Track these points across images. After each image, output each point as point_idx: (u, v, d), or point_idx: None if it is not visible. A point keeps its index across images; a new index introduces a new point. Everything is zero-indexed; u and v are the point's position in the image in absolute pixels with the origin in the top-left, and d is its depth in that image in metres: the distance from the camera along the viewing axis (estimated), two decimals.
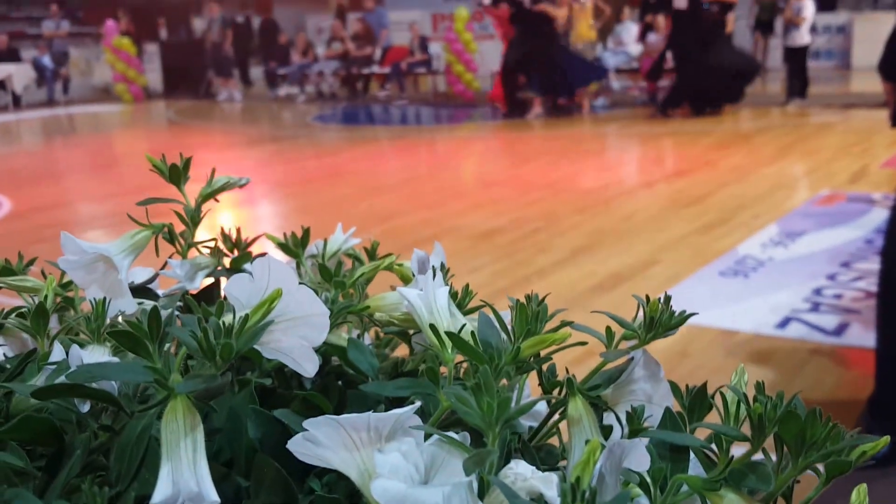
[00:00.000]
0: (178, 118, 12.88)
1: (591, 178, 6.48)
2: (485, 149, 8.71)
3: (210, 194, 0.75)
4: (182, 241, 0.72)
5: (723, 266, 3.94)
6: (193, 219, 0.72)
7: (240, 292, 0.48)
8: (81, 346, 0.56)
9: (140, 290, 0.68)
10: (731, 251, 4.19)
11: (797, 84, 10.42)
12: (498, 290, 3.81)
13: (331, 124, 11.78)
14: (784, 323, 3.20)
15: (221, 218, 6.01)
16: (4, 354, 0.69)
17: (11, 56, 15.32)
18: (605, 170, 6.83)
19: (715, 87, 9.52)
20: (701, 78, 9.39)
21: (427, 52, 13.97)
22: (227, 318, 0.44)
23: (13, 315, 0.70)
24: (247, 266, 0.74)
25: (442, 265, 0.68)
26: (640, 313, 0.56)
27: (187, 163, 0.74)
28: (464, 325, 0.53)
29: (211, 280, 0.75)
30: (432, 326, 0.52)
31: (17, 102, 15.22)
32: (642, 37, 11.85)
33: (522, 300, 0.60)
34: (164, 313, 0.63)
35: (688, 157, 7.13)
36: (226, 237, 0.76)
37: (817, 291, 3.52)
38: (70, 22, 17.37)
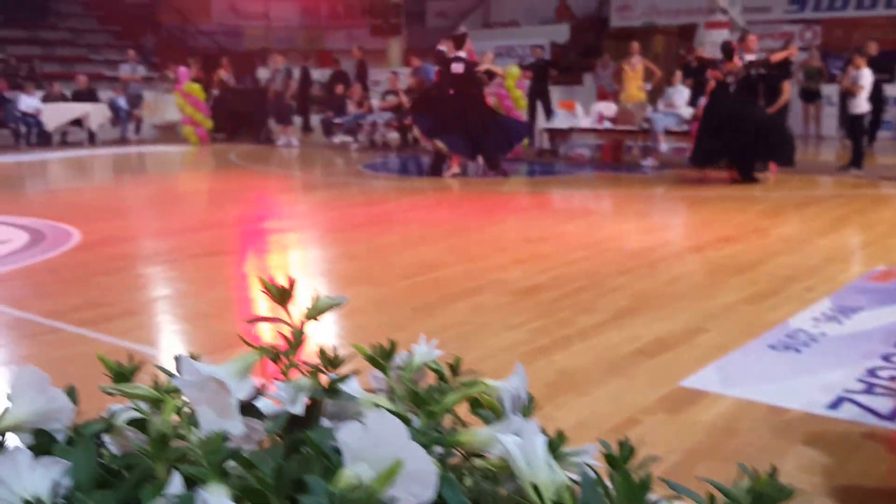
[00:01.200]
0: (239, 161, 13.00)
1: (636, 239, 6.31)
2: (530, 204, 8.60)
3: (312, 315, 0.79)
4: (285, 361, 0.75)
5: (773, 339, 3.73)
6: (297, 341, 0.76)
7: (352, 440, 0.50)
8: (200, 479, 0.57)
9: (245, 407, 0.69)
10: (782, 324, 3.98)
11: (854, 153, 10.13)
12: (538, 348, 3.67)
13: (381, 173, 11.80)
14: (836, 403, 2.99)
15: (275, 261, 5.96)
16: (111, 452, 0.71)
17: (90, 96, 15.71)
18: (651, 231, 6.65)
19: (747, 152, 9.24)
20: (733, 141, 9.18)
21: None
22: (349, 482, 0.45)
23: (123, 418, 0.72)
24: (344, 387, 0.74)
25: (529, 396, 0.68)
26: (745, 481, 0.52)
27: (293, 285, 0.78)
28: (564, 485, 0.50)
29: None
30: (533, 486, 0.51)
31: (92, 140, 15.57)
32: (693, 101, 11.71)
33: (615, 446, 0.54)
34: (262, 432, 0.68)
35: (737, 224, 6.91)
36: (323, 355, 0.79)
37: (872, 372, 3.30)
38: (145, 67, 17.79)
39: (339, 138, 15.39)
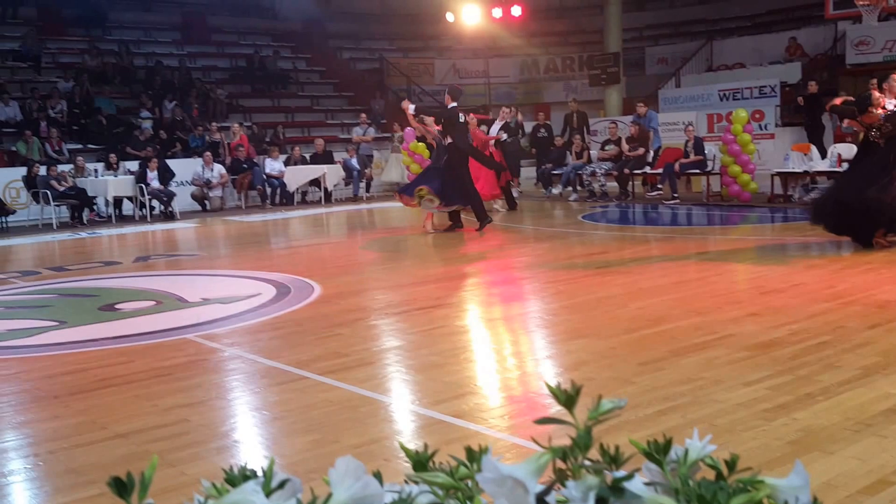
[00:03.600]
0: (462, 214, 13.43)
1: (885, 289, 5.81)
2: (761, 253, 8.18)
3: (596, 418, 0.82)
4: (573, 461, 0.79)
5: None
6: (585, 443, 0.79)
7: None
8: None
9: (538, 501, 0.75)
10: None
11: None
12: (778, 406, 3.48)
13: (601, 223, 11.74)
14: None
15: (497, 313, 6.10)
16: None
17: (326, 158, 17.03)
18: None
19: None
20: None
21: (702, 153, 13.58)
22: None
23: (421, 501, 0.79)
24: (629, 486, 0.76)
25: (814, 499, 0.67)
26: None
27: (578, 390, 0.81)
28: None
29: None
30: None
31: (327, 198, 16.81)
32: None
33: None
34: None
35: None
36: (604, 451, 0.82)
37: None
38: (375, 129, 19.03)
39: (557, 189, 15.54)
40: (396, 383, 4.31)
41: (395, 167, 18.25)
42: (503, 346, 5.16)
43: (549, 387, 0.81)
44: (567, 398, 0.79)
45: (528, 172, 17.17)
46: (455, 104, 10.65)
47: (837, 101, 8.32)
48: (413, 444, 3.30)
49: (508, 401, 3.86)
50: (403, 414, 3.80)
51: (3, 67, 18.50)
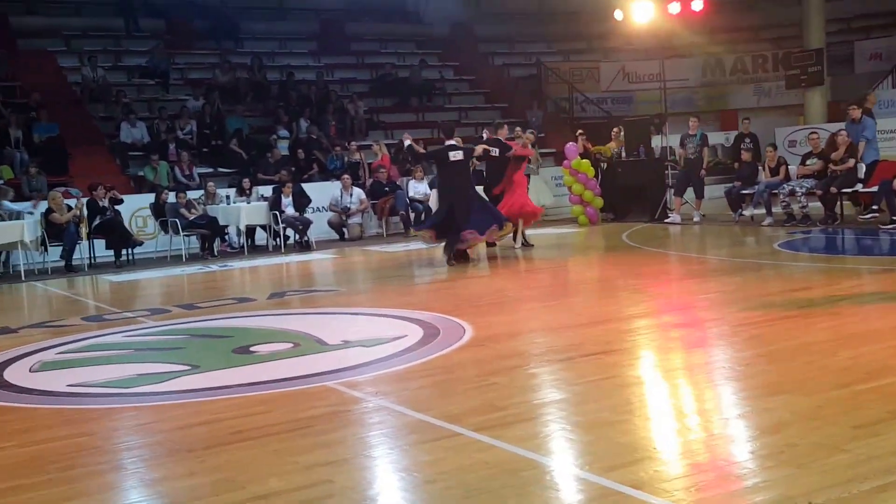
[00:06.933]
0: (633, 242, 13.32)
1: None
2: None
3: None
4: None
5: None
6: None
7: None
8: None
9: None
10: None
11: None
12: None
13: (802, 252, 11.36)
14: None
15: (678, 361, 5.99)
16: None
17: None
18: None
19: None
20: None
21: None
22: None
23: None
24: None
25: None
26: None
27: None
28: None
29: None
30: None
31: None
32: None
33: None
34: None
35: None
36: None
37: None
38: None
39: (748, 211, 15.10)
40: (561, 443, 4.32)
41: (550, 187, 18.24)
42: (686, 402, 5.07)
43: None
44: None
45: (713, 191, 16.68)
46: (452, 140, 11.86)
47: None
48: None
49: (694, 469, 3.80)
50: (571, 481, 3.81)
51: (129, 85, 19.65)
